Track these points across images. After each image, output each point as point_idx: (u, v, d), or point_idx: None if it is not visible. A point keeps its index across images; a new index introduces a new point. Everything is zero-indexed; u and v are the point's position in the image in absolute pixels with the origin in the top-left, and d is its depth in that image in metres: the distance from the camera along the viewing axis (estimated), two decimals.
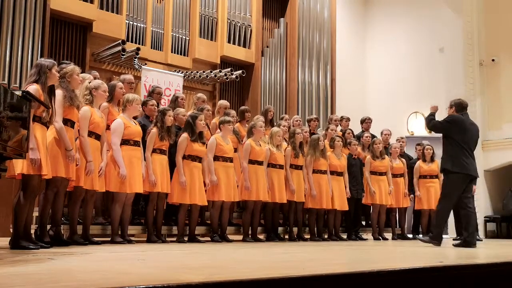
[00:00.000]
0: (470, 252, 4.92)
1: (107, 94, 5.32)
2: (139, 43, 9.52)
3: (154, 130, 5.72)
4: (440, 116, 6.58)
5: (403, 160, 8.37)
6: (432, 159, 8.22)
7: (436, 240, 5.94)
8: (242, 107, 7.84)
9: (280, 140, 6.81)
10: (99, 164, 5.06)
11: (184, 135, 5.92)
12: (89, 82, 5.18)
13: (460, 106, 6.19)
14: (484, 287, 3.16)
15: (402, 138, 8.82)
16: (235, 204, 7.04)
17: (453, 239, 7.71)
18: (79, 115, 4.79)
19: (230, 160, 6.34)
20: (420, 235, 8.30)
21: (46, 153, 4.25)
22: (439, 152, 6.78)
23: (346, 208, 7.39)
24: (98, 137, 5.08)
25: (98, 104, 5.18)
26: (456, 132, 5.99)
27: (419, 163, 8.27)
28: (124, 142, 5.40)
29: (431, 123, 6.25)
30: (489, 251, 5.55)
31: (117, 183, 5.28)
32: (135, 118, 5.71)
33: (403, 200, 8.18)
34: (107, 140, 5.32)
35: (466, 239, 5.88)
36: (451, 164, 5.94)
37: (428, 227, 8.23)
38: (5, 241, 4.56)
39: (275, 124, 7.61)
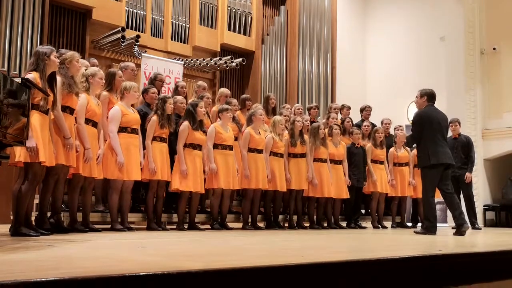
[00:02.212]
0: (469, 241, 4.94)
1: (104, 81, 5.30)
2: (139, 31, 9.48)
3: (154, 118, 5.71)
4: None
5: (408, 149, 8.36)
6: None
7: (430, 231, 5.96)
8: (243, 96, 7.83)
9: (282, 129, 6.81)
10: (97, 151, 5.06)
11: (185, 123, 5.92)
12: (85, 69, 5.15)
13: (431, 97, 6.24)
14: (483, 276, 3.17)
15: (400, 126, 8.81)
16: (235, 192, 7.05)
17: (452, 228, 7.73)
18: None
19: (230, 148, 6.34)
20: (419, 224, 8.33)
21: (47, 140, 4.25)
22: None
23: (344, 196, 7.39)
24: (95, 124, 5.07)
25: (94, 91, 5.16)
26: (425, 125, 6.06)
27: (415, 151, 8.27)
28: (122, 129, 5.39)
29: (411, 139, 6.50)
30: (488, 239, 5.57)
31: (114, 171, 5.28)
32: (134, 106, 5.70)
33: (407, 189, 8.19)
34: (105, 128, 5.32)
35: (457, 222, 5.92)
36: (428, 157, 5.99)
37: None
38: (5, 228, 4.58)
39: (277, 112, 7.58)
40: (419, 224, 8.37)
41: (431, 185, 6.07)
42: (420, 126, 6.11)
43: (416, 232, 6.17)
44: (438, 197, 8.44)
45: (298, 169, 6.99)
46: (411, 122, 6.38)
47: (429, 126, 6.06)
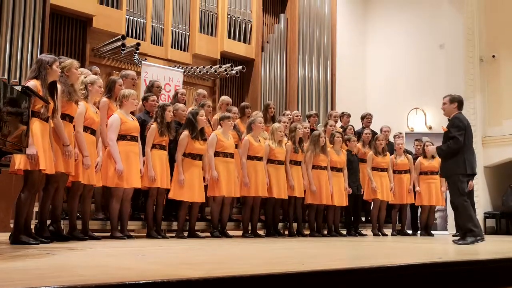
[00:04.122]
0: (469, 248, 4.92)
1: (102, 89, 5.31)
2: (139, 38, 9.50)
3: (154, 126, 5.72)
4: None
5: (409, 156, 8.35)
6: (432, 156, 8.22)
7: (477, 239, 5.61)
8: (243, 103, 7.83)
9: (281, 136, 6.81)
10: (95, 159, 5.06)
11: (185, 133, 5.91)
12: (85, 77, 5.16)
13: (461, 104, 6.00)
14: (483, 283, 3.16)
15: (400, 133, 8.83)
16: (235, 200, 7.04)
17: (453, 235, 7.73)
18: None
19: (231, 155, 6.33)
20: (419, 232, 8.30)
21: (48, 148, 4.25)
22: None
23: (345, 204, 7.38)
24: (93, 132, 5.07)
25: (93, 99, 5.17)
26: (466, 131, 5.78)
27: (420, 159, 8.28)
28: (121, 137, 5.39)
29: (454, 145, 5.76)
30: (488, 247, 5.55)
31: (114, 178, 5.28)
32: (133, 113, 5.70)
33: (406, 197, 8.18)
34: (104, 135, 5.32)
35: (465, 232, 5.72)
36: (464, 165, 5.70)
37: (426, 223, 8.24)
38: (5, 236, 4.57)
39: (276, 120, 7.58)
40: (419, 232, 8.37)
41: (464, 190, 5.72)
42: (463, 131, 5.74)
43: (456, 242, 5.71)
44: (439, 204, 8.46)
45: (298, 177, 6.99)
46: (455, 126, 5.82)
47: (468, 133, 5.80)
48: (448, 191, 8.53)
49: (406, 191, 8.15)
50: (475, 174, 6.00)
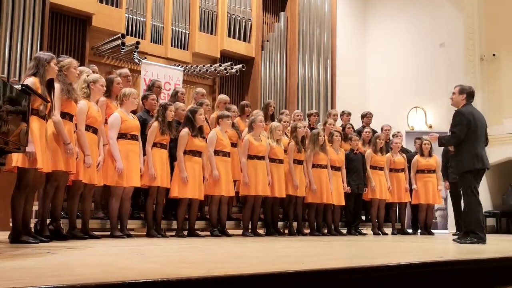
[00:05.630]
0: (470, 248, 4.91)
1: (105, 88, 5.31)
2: (139, 37, 9.49)
3: (155, 124, 5.71)
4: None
5: (404, 155, 8.36)
6: (430, 154, 8.23)
7: (479, 242, 5.48)
8: (243, 102, 7.83)
9: (280, 134, 6.80)
10: (97, 158, 5.05)
11: (185, 130, 5.91)
12: (87, 76, 5.15)
13: (471, 95, 5.79)
14: (484, 282, 3.16)
15: (398, 132, 8.83)
16: (235, 199, 7.03)
17: (453, 234, 7.72)
18: (77, 109, 4.78)
19: (229, 154, 6.33)
20: (419, 231, 8.30)
21: (45, 146, 4.24)
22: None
23: (343, 203, 7.37)
24: (95, 131, 5.07)
25: (95, 98, 5.17)
26: (470, 125, 5.59)
27: (417, 157, 8.29)
28: (122, 136, 5.39)
29: (453, 140, 5.67)
30: (489, 246, 5.54)
31: (114, 177, 5.27)
32: (134, 112, 5.69)
33: (404, 195, 8.17)
34: (104, 134, 5.32)
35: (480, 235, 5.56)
36: (474, 161, 5.54)
37: (425, 221, 8.23)
38: (4, 235, 4.56)
39: (276, 119, 7.58)
40: (419, 231, 8.36)
41: (475, 189, 5.56)
42: (465, 126, 5.56)
43: (457, 241, 5.65)
44: (436, 203, 8.44)
45: (299, 176, 6.98)
46: (453, 120, 5.69)
47: (474, 126, 5.59)
48: (447, 190, 8.57)
49: (403, 189, 8.16)
50: (488, 169, 5.77)
